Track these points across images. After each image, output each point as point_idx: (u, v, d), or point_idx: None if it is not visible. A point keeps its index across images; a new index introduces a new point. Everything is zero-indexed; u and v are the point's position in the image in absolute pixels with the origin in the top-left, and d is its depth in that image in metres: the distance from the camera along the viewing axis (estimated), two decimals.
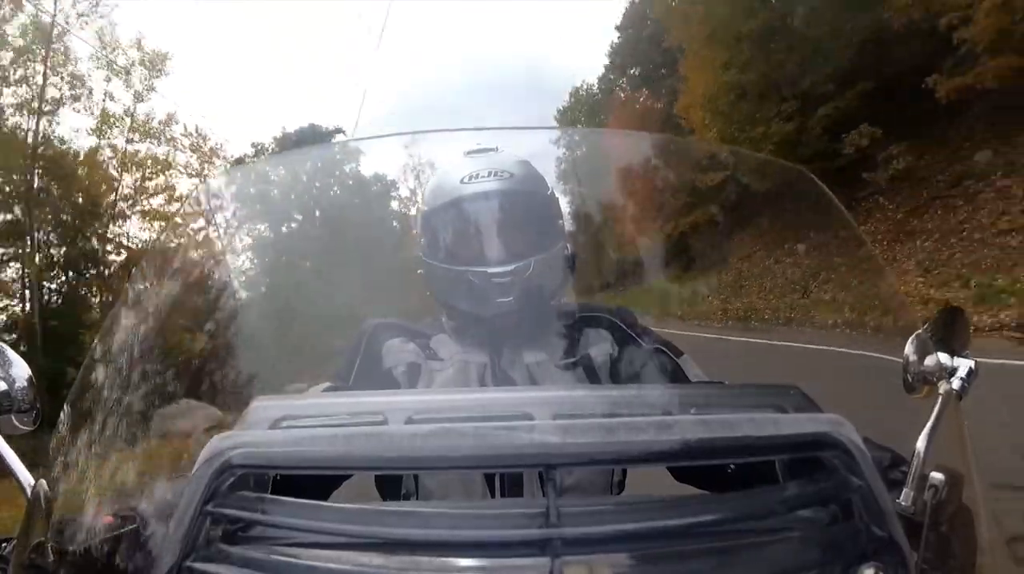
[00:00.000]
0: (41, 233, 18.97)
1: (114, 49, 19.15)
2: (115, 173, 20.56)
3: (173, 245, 1.14)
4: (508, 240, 1.11)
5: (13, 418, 0.89)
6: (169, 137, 20.86)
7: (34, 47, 17.81)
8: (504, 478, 1.02)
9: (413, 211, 1.22)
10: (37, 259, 18.06)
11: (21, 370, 0.91)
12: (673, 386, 1.03)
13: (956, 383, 0.80)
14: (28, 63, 17.99)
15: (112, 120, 20.02)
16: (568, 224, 1.22)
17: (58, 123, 19.12)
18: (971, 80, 12.64)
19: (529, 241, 1.12)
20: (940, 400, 0.77)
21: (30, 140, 17.95)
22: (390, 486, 1.07)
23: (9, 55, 17.52)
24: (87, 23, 18.45)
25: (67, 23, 18.07)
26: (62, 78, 18.80)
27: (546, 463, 0.59)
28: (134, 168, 20.77)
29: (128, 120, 20.21)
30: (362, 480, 0.87)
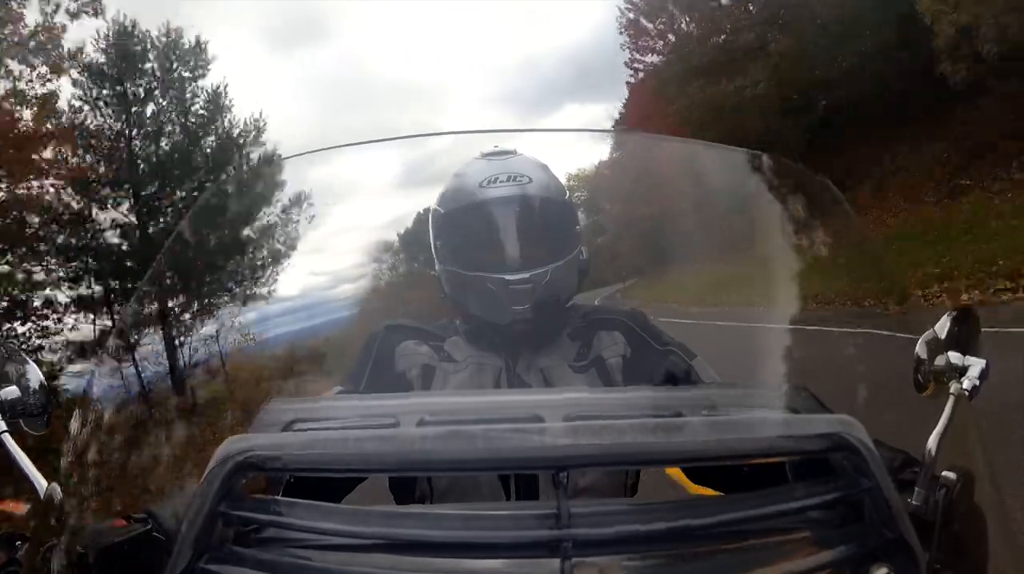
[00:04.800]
0: None
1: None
2: None
3: (184, 247, 1.14)
4: (526, 247, 1.10)
5: (25, 422, 0.90)
6: None
7: None
8: (518, 480, 1.02)
9: (427, 212, 1.21)
10: None
11: (33, 374, 0.92)
12: (683, 387, 1.03)
13: (967, 383, 0.80)
14: None
15: None
16: (584, 226, 1.21)
17: None
18: None
19: (547, 249, 1.12)
20: (952, 400, 0.77)
21: None
22: (404, 489, 1.07)
23: None
24: None
25: None
26: None
27: (557, 465, 0.59)
28: None
29: None
30: (375, 483, 0.88)
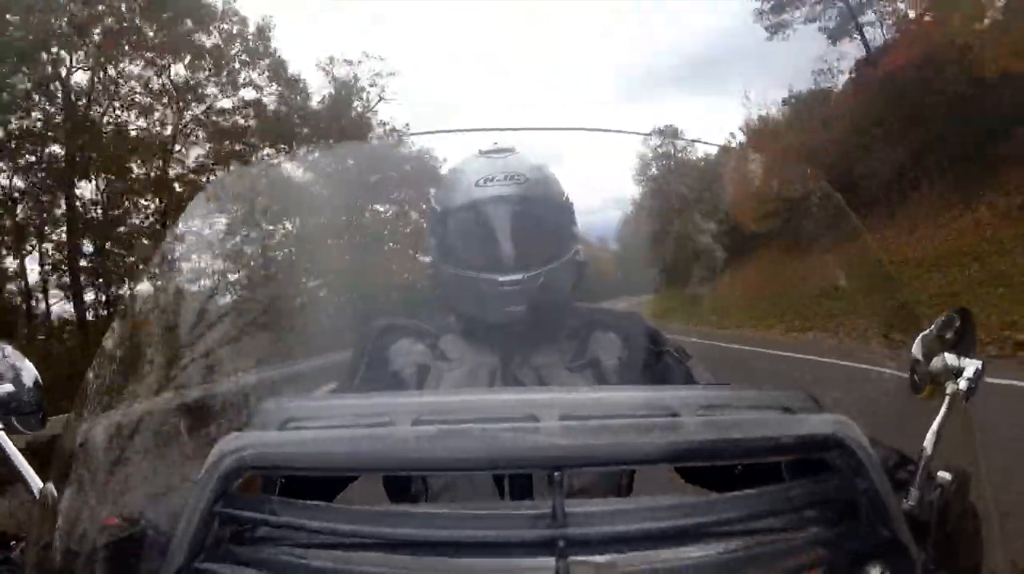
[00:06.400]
0: None
1: None
2: None
3: (179, 246, 1.14)
4: (520, 248, 1.09)
5: (19, 420, 0.89)
6: None
7: None
8: (513, 480, 1.01)
9: (425, 209, 1.21)
10: None
11: (27, 372, 0.91)
12: (679, 387, 1.03)
13: (963, 383, 0.80)
14: None
15: None
16: (581, 228, 1.20)
17: None
18: None
19: (541, 250, 1.11)
20: (947, 400, 0.77)
21: None
22: (398, 488, 1.07)
23: None
24: None
25: None
26: None
27: (552, 465, 0.59)
28: None
29: None
30: (370, 482, 0.88)
